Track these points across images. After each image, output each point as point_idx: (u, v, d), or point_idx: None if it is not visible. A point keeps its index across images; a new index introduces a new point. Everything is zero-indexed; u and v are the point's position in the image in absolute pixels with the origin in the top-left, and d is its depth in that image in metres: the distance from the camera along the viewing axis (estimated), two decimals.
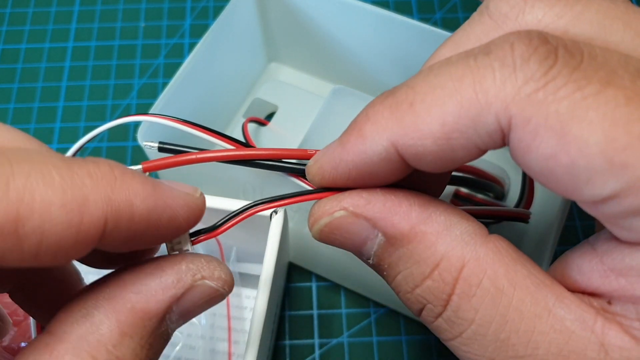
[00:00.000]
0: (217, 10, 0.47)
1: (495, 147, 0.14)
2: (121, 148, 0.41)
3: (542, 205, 0.31)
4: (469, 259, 0.14)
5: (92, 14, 0.47)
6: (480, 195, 0.32)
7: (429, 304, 0.15)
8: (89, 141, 0.23)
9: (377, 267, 0.16)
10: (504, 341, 0.14)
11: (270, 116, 0.39)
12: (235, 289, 0.31)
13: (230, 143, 0.20)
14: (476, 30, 0.15)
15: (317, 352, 0.34)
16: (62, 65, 0.45)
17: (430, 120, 0.13)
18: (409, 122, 0.14)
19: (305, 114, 0.36)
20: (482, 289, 0.14)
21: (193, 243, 0.17)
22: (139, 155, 0.41)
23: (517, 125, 0.12)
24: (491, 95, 0.13)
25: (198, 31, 0.46)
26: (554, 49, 0.12)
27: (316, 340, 0.34)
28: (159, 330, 0.15)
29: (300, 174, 0.21)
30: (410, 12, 0.46)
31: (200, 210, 0.16)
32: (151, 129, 0.29)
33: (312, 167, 0.16)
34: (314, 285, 0.36)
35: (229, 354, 0.30)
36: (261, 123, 0.38)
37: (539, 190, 0.29)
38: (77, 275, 0.19)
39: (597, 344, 0.13)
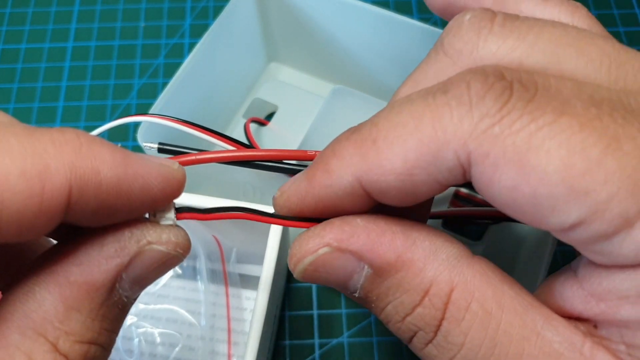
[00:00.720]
0: (217, 10, 0.47)
1: (457, 183, 0.14)
2: None
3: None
4: (456, 282, 0.14)
5: (92, 14, 0.47)
6: (480, 196, 0.32)
7: (420, 331, 0.15)
8: None
9: (364, 300, 0.16)
10: None
11: (270, 116, 0.39)
12: (235, 290, 0.31)
13: (229, 143, 0.20)
14: (434, 68, 0.15)
15: (317, 352, 0.34)
16: (62, 65, 0.44)
17: (392, 157, 0.14)
18: (372, 158, 0.14)
19: (305, 114, 0.36)
20: (471, 313, 0.14)
21: (178, 217, 0.16)
22: None
23: (477, 160, 0.13)
24: (449, 133, 0.13)
25: (198, 31, 0.46)
26: (509, 85, 0.13)
27: (316, 341, 0.34)
28: (110, 300, 0.15)
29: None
30: (410, 12, 0.46)
31: (177, 181, 0.15)
32: (151, 129, 0.29)
33: (279, 199, 0.16)
34: (314, 285, 0.36)
35: (229, 356, 0.30)
36: (261, 123, 0.37)
37: None
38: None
39: None
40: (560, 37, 0.14)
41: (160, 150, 0.21)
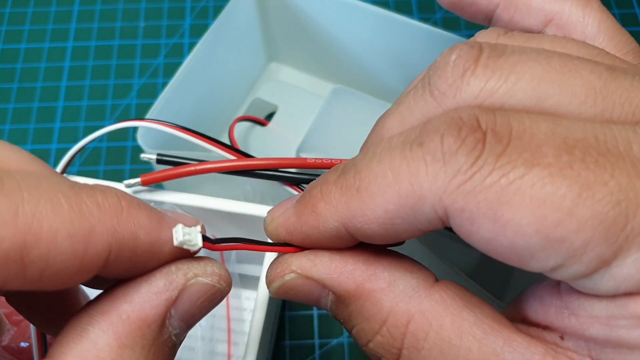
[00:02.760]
0: (217, 10, 0.47)
1: (438, 228, 0.14)
2: (121, 148, 0.41)
3: None
4: (414, 312, 0.15)
5: (92, 14, 0.47)
6: None
7: (383, 358, 0.16)
8: (87, 144, 0.23)
9: (336, 319, 0.17)
10: None
11: (270, 116, 0.39)
12: (235, 290, 0.31)
13: (227, 151, 0.20)
14: (419, 107, 0.16)
15: (317, 352, 0.34)
16: (61, 65, 0.44)
17: (374, 207, 0.14)
18: (356, 207, 0.14)
19: (305, 113, 0.36)
20: (429, 342, 0.15)
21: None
22: (138, 155, 0.41)
23: (453, 214, 0.13)
24: (425, 189, 0.13)
25: (198, 31, 0.46)
26: (482, 137, 0.13)
27: (316, 341, 0.34)
28: (161, 338, 0.15)
29: (297, 183, 0.21)
30: (410, 12, 0.46)
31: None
32: (150, 130, 0.29)
33: (269, 226, 0.17)
34: None
35: (229, 356, 0.30)
36: (261, 123, 0.37)
37: None
38: None
39: None
40: (542, 73, 0.14)
41: (158, 161, 0.21)
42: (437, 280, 0.16)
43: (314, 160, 0.18)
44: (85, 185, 0.14)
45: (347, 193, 0.15)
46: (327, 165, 0.20)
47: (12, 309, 0.31)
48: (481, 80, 0.14)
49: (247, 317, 0.32)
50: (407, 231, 0.14)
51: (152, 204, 0.26)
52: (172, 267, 0.15)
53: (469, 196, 0.13)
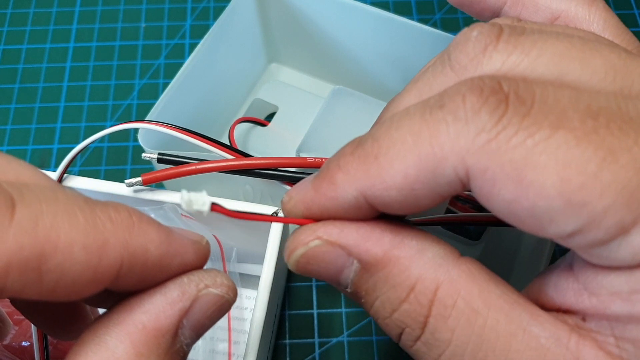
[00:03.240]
0: (218, 11, 0.47)
1: (459, 193, 0.14)
2: (122, 148, 0.41)
3: None
4: (442, 280, 0.15)
5: (93, 15, 0.47)
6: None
7: (408, 328, 0.15)
8: (88, 145, 0.23)
9: (355, 295, 0.17)
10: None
11: (270, 116, 0.39)
12: None
13: (226, 151, 0.20)
14: (438, 81, 0.16)
15: (317, 352, 0.34)
16: (63, 65, 0.45)
17: (393, 173, 0.14)
18: (375, 174, 0.14)
19: (305, 114, 0.36)
20: (457, 310, 0.14)
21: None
22: (139, 155, 0.41)
23: (475, 175, 0.13)
24: (447, 149, 0.13)
25: (199, 32, 0.46)
26: (504, 98, 0.13)
27: (316, 340, 0.34)
28: (174, 347, 0.15)
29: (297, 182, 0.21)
30: (410, 13, 0.47)
31: (205, 256, 0.17)
32: (151, 131, 0.29)
33: (287, 204, 0.17)
34: (313, 284, 0.36)
35: (229, 354, 0.30)
36: (261, 123, 0.38)
37: None
38: None
39: None
40: (564, 50, 0.14)
41: (160, 161, 0.21)
42: (462, 255, 0.16)
43: (313, 159, 0.18)
44: (99, 201, 0.14)
45: (366, 161, 0.14)
46: None
47: (13, 307, 0.31)
48: (503, 55, 0.14)
49: (247, 316, 0.32)
50: (427, 197, 0.14)
51: (152, 204, 0.26)
52: (185, 279, 0.16)
53: (493, 156, 0.12)
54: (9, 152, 0.41)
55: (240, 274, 0.32)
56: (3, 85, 0.44)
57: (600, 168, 0.12)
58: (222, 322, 0.31)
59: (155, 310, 0.15)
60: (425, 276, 0.15)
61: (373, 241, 0.15)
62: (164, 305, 0.15)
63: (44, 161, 0.41)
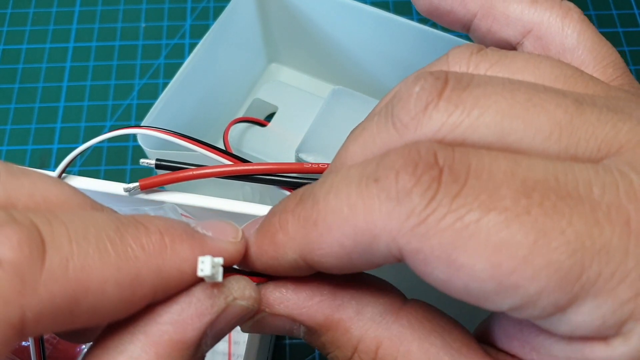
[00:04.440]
0: (218, 11, 0.47)
1: (395, 263, 0.14)
2: (122, 148, 0.41)
3: None
4: (382, 339, 0.15)
5: (93, 15, 0.47)
6: None
7: None
8: (88, 148, 0.23)
9: (311, 346, 0.18)
10: None
11: (270, 117, 0.39)
12: None
13: (223, 157, 0.20)
14: (382, 137, 0.16)
15: (317, 351, 0.34)
16: (63, 65, 0.45)
17: (330, 242, 0.14)
18: (314, 240, 0.14)
19: (305, 114, 0.36)
20: None
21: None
22: (139, 155, 0.41)
23: (408, 255, 0.13)
24: (379, 227, 0.13)
25: (198, 32, 0.46)
26: (438, 175, 0.13)
27: None
28: (196, 356, 0.15)
29: (295, 187, 0.21)
30: (409, 14, 0.47)
31: (240, 254, 0.16)
32: (149, 135, 0.29)
33: (235, 245, 0.17)
34: None
35: (229, 355, 0.30)
36: (261, 124, 0.38)
37: None
38: None
39: None
40: (507, 108, 0.14)
41: (157, 167, 0.21)
42: (405, 301, 0.16)
43: (310, 165, 0.18)
44: (129, 223, 0.14)
45: (305, 225, 0.15)
46: (324, 170, 0.20)
47: None
48: (443, 115, 0.14)
49: None
50: (364, 265, 0.14)
51: (152, 204, 0.26)
52: (215, 290, 0.15)
53: (422, 238, 0.12)
54: (8, 152, 0.41)
55: None
56: (3, 85, 0.44)
57: (531, 252, 0.12)
58: None
59: (183, 323, 0.15)
60: (365, 336, 0.15)
61: (314, 308, 0.16)
62: (192, 318, 0.15)
63: (43, 161, 0.41)
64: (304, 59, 0.42)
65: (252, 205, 0.25)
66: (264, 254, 0.16)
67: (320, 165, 0.20)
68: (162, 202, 0.26)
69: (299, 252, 0.15)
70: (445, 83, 0.14)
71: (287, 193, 0.20)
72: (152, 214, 0.27)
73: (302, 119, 0.36)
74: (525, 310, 0.12)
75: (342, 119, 0.33)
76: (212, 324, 0.15)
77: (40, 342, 0.26)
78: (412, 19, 0.35)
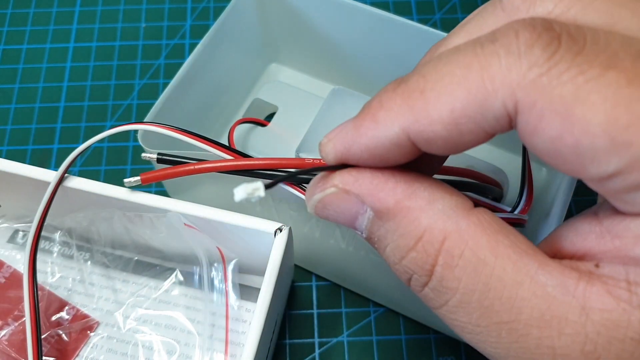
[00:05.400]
0: (218, 11, 0.47)
1: (502, 131, 0.14)
2: (122, 148, 0.41)
3: (540, 207, 0.31)
4: (450, 231, 0.15)
5: (93, 15, 0.47)
6: (480, 198, 0.32)
7: (415, 274, 0.16)
8: (89, 146, 0.23)
9: (369, 240, 0.17)
10: (487, 308, 0.14)
11: (270, 116, 0.39)
12: (235, 302, 0.31)
13: (225, 152, 0.20)
14: (489, 22, 0.16)
15: (317, 352, 0.34)
16: (63, 65, 0.45)
17: (440, 107, 0.14)
18: (420, 109, 0.14)
19: (305, 114, 0.36)
20: (464, 260, 0.15)
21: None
22: (139, 155, 0.41)
23: (523, 109, 0.13)
24: (498, 82, 0.13)
25: (198, 32, 0.46)
26: (557, 36, 0.13)
27: (316, 340, 0.34)
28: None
29: (296, 183, 0.21)
30: (409, 13, 0.47)
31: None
32: (151, 131, 0.29)
33: (326, 146, 0.17)
34: (314, 285, 0.36)
35: (226, 352, 0.30)
36: (261, 123, 0.38)
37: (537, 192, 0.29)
38: None
39: (578, 308, 0.13)
40: None
41: (159, 161, 0.21)
42: (475, 206, 0.16)
43: (312, 160, 0.18)
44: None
45: (411, 97, 0.14)
46: (326, 165, 0.20)
47: (13, 304, 0.31)
48: None
49: (246, 329, 0.32)
50: (471, 133, 0.14)
51: (156, 211, 0.26)
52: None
53: (543, 90, 0.13)
54: (9, 152, 0.41)
55: (241, 286, 0.32)
56: (3, 86, 0.44)
57: None
58: (221, 333, 0.31)
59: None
60: (433, 227, 0.15)
61: (386, 191, 0.16)
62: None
63: (43, 161, 0.41)
64: (304, 59, 0.42)
65: (256, 220, 0.25)
66: (363, 134, 0.16)
67: (321, 161, 0.20)
68: (165, 210, 0.26)
69: (403, 124, 0.15)
70: None
71: (291, 189, 0.20)
72: (155, 220, 0.27)
73: (302, 118, 0.36)
74: (628, 175, 0.12)
75: (342, 119, 0.33)
76: None
77: (37, 342, 0.27)
78: (412, 18, 0.35)
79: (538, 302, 0.14)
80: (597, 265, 0.14)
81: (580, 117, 0.12)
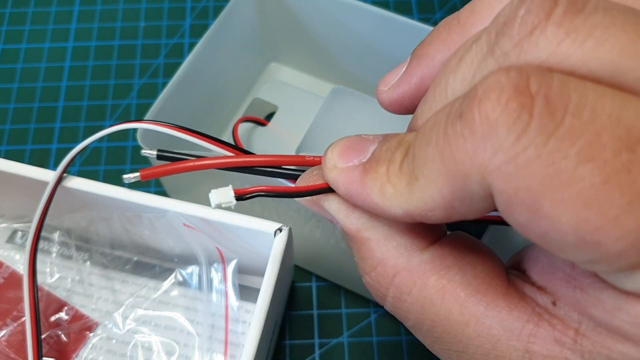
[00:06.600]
0: (217, 10, 0.47)
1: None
2: (121, 148, 0.41)
3: None
4: (400, 269, 0.16)
5: (92, 14, 0.47)
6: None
7: (373, 294, 0.17)
8: (87, 146, 0.23)
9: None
10: (437, 338, 0.16)
11: (270, 116, 0.39)
12: (234, 303, 0.31)
13: (226, 149, 0.20)
14: (480, 70, 0.14)
15: (317, 352, 0.34)
16: (62, 65, 0.45)
17: (432, 194, 0.13)
18: (419, 197, 0.14)
19: (305, 114, 0.36)
20: (412, 297, 0.16)
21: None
22: (138, 155, 0.41)
23: (493, 192, 0.12)
24: (467, 167, 0.12)
25: (198, 31, 0.46)
26: (529, 104, 0.11)
27: (316, 340, 0.34)
28: None
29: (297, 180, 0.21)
30: (410, 12, 0.46)
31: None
32: (150, 130, 0.29)
33: (330, 173, 0.17)
34: (314, 285, 0.36)
35: (225, 353, 0.30)
36: (261, 123, 0.38)
37: None
38: None
39: (521, 351, 0.14)
40: (627, 43, 0.12)
41: (159, 157, 0.21)
42: (443, 235, 0.16)
43: (312, 157, 0.18)
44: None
45: (410, 181, 0.14)
46: None
47: (11, 304, 0.31)
48: (552, 42, 0.12)
49: (245, 330, 0.31)
50: (471, 213, 0.13)
51: (155, 211, 0.26)
52: None
53: (509, 179, 0.11)
54: (7, 152, 0.41)
55: (241, 286, 0.32)
56: (1, 85, 0.44)
57: (623, 212, 0.11)
58: (220, 334, 0.31)
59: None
60: (385, 261, 0.16)
61: (352, 218, 0.17)
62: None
63: (42, 161, 0.41)
64: (303, 58, 0.42)
65: (256, 220, 0.25)
66: (367, 199, 0.16)
67: (322, 158, 0.20)
68: (165, 210, 0.26)
69: (406, 209, 0.14)
70: (555, 4, 0.12)
71: (290, 185, 0.20)
72: (154, 220, 0.27)
73: (302, 118, 0.36)
74: (597, 265, 0.12)
75: (342, 118, 0.33)
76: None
77: (38, 342, 0.26)
78: (412, 18, 0.35)
79: (483, 342, 0.14)
80: (554, 304, 0.14)
81: (549, 213, 0.11)
